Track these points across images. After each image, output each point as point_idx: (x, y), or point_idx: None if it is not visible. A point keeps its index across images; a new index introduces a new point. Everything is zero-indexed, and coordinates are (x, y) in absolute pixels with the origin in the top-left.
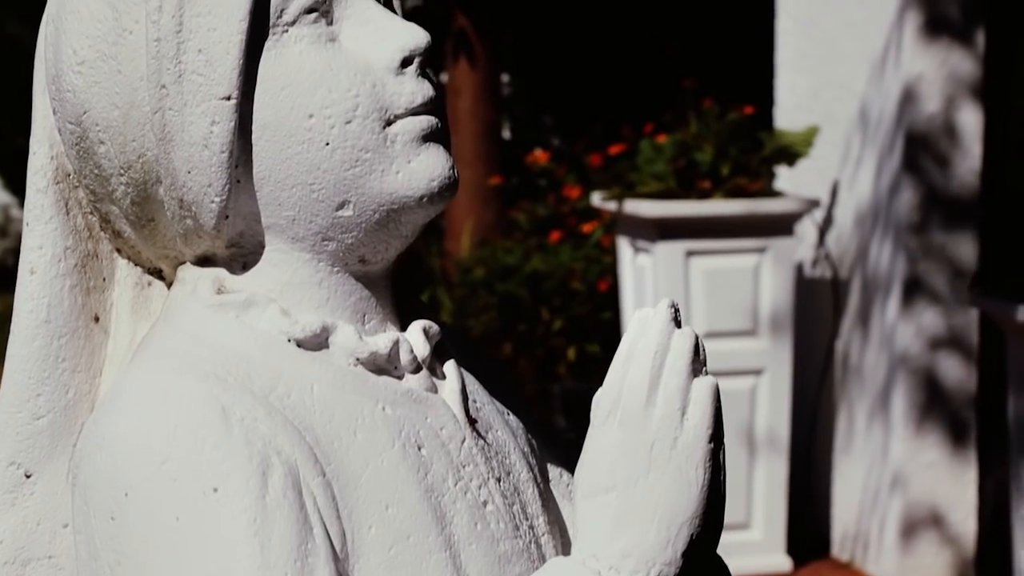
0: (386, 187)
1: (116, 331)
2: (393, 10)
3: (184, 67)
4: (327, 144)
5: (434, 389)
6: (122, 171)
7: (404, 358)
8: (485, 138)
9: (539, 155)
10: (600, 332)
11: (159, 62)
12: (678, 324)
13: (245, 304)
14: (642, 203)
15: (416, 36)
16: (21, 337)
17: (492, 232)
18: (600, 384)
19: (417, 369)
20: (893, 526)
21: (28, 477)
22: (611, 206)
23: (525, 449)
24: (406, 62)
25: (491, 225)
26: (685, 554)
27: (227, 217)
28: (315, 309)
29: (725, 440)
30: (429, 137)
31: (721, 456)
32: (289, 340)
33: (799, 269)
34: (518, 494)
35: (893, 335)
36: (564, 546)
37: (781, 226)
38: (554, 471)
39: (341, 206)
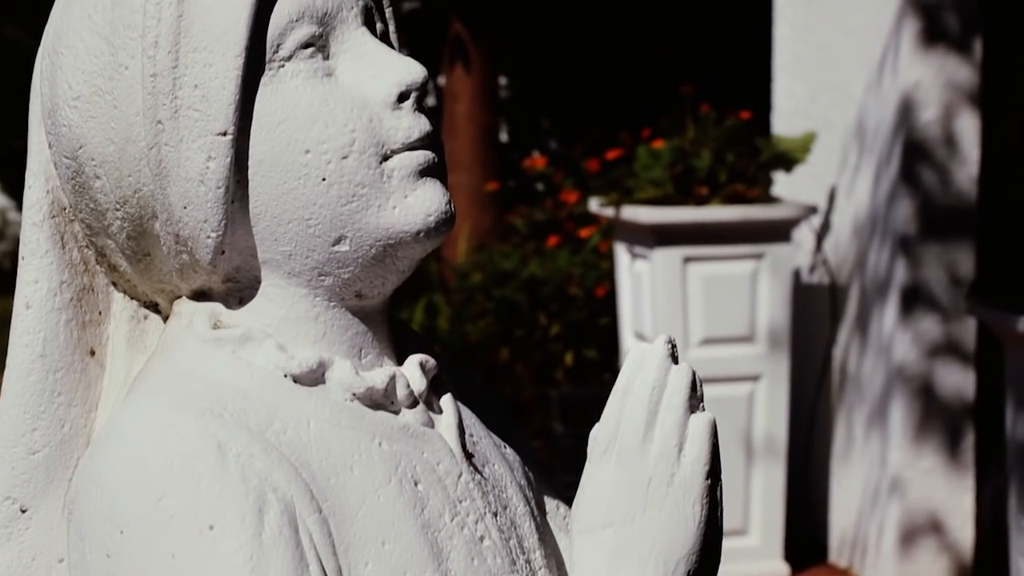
0: (383, 222)
1: (112, 365)
2: (390, 44)
3: (180, 103)
4: (323, 179)
5: (431, 424)
6: (118, 206)
7: (401, 393)
8: (482, 142)
9: (536, 160)
10: (598, 337)
11: (155, 97)
12: (675, 360)
13: (241, 339)
14: (639, 209)
15: (412, 71)
16: (17, 372)
17: (489, 237)
18: (596, 388)
19: (414, 404)
20: (891, 532)
21: (24, 512)
22: (609, 212)
23: (522, 482)
24: (403, 97)
25: (488, 230)
26: None
27: (223, 252)
28: (311, 344)
29: (723, 446)
30: (426, 172)
31: (718, 492)
32: (285, 375)
33: (796, 275)
34: (515, 528)
35: (891, 342)
36: None
37: (779, 232)
38: (551, 503)
39: (338, 241)
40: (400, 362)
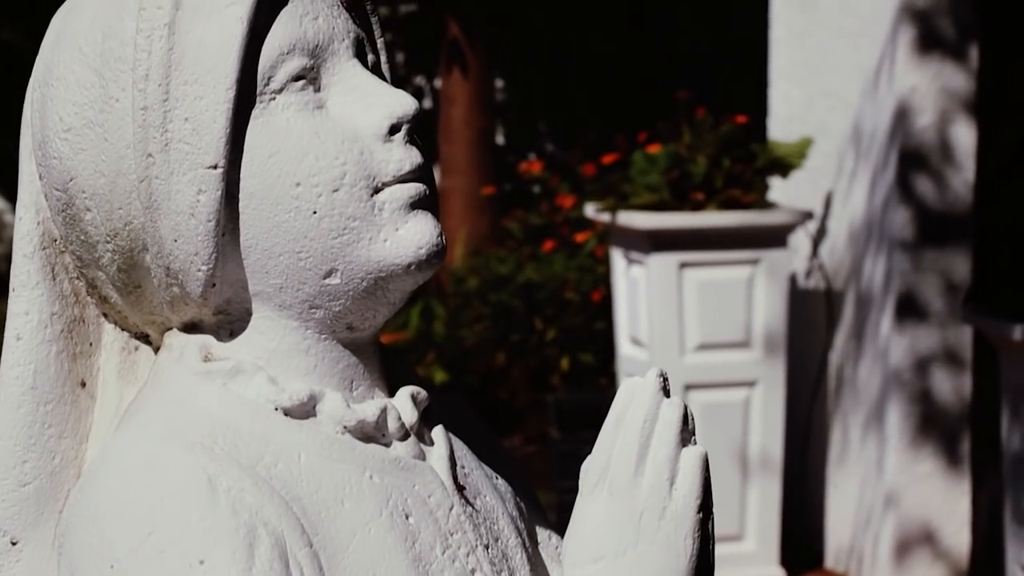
0: (374, 255)
1: (103, 396)
2: (382, 75)
3: (171, 135)
4: (314, 212)
5: (422, 456)
6: (108, 238)
7: (392, 425)
8: (479, 146)
9: (532, 164)
10: (594, 342)
11: (145, 130)
12: (667, 393)
13: (232, 372)
14: (635, 214)
15: (404, 103)
16: (7, 404)
17: (485, 241)
18: (592, 393)
19: (405, 436)
20: (887, 538)
21: (14, 544)
22: (605, 217)
23: (513, 513)
24: (394, 129)
25: (484, 234)
26: None
27: (214, 285)
28: (302, 377)
29: (719, 451)
30: (417, 204)
31: (710, 526)
32: (276, 408)
33: (793, 281)
34: (506, 560)
35: (887, 348)
36: None
37: (775, 238)
38: (543, 533)
39: (329, 274)
40: (391, 393)
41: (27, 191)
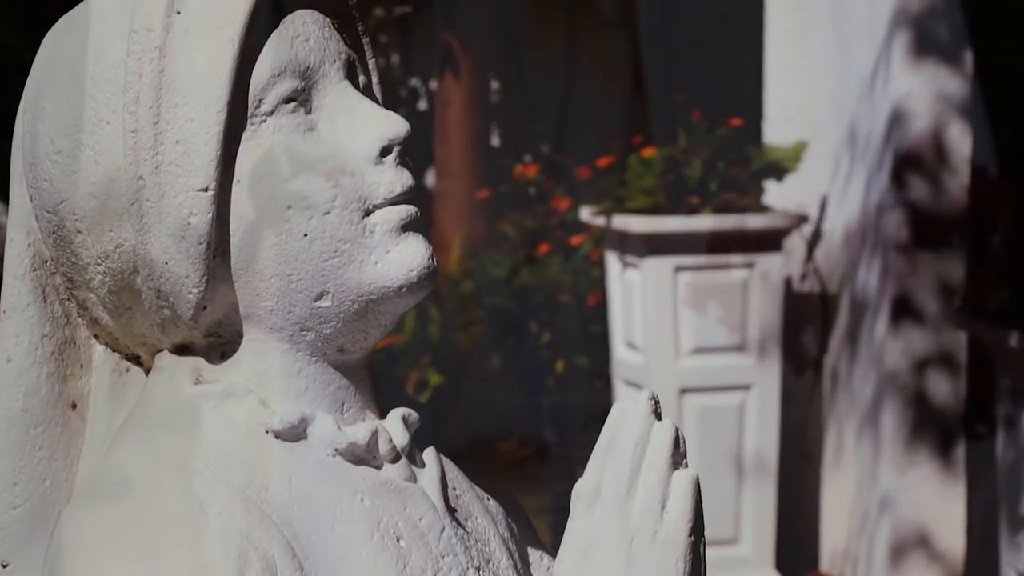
0: (365, 277)
1: (94, 418)
2: (373, 96)
3: (161, 158)
4: (305, 235)
5: (413, 478)
6: (99, 260)
7: (383, 448)
8: (474, 149)
9: (528, 168)
10: (589, 346)
11: (136, 153)
12: (658, 416)
13: (223, 395)
14: (630, 218)
15: (395, 125)
16: None
17: (481, 244)
18: (587, 397)
19: (396, 458)
20: (882, 542)
21: (4, 567)
22: (600, 221)
23: (505, 535)
24: (385, 151)
25: (480, 237)
26: None
27: (205, 308)
28: (293, 399)
29: (714, 455)
30: (408, 227)
31: (701, 549)
32: (267, 431)
33: (787, 284)
34: None
35: (882, 351)
36: None
37: (769, 241)
38: (535, 554)
39: (320, 296)
40: (383, 415)
41: (18, 213)
